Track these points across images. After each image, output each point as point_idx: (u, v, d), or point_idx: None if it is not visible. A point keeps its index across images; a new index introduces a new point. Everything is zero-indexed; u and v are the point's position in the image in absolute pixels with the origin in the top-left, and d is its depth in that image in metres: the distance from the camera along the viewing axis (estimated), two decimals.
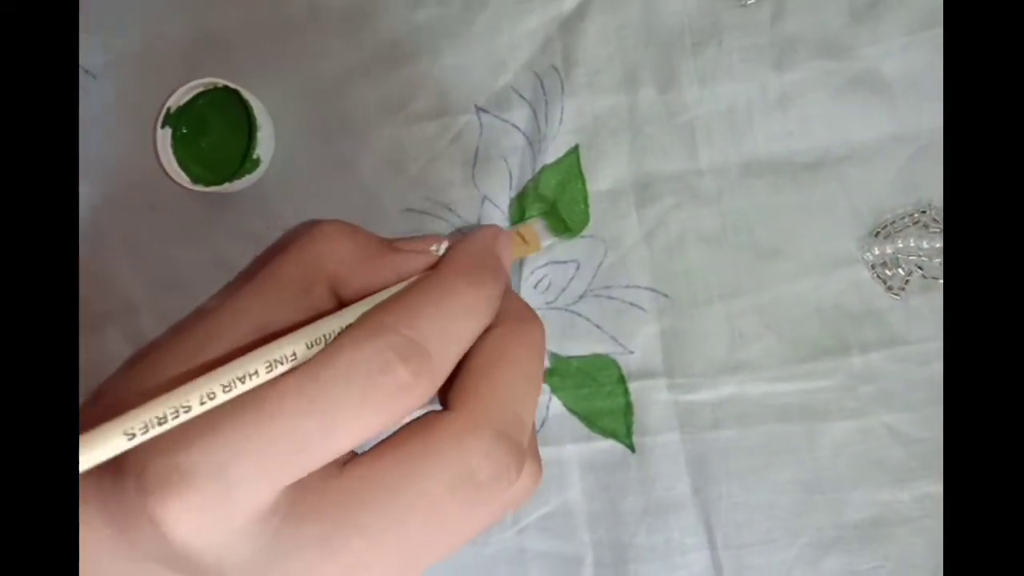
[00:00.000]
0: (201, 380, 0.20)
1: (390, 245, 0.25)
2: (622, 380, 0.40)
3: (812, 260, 0.39)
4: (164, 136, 0.43)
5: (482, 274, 0.24)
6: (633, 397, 0.40)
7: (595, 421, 0.40)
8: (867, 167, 0.38)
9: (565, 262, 0.41)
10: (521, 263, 0.41)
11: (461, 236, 0.26)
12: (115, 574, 0.20)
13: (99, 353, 0.44)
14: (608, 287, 0.40)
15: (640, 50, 0.40)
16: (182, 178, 0.42)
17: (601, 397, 0.40)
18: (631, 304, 0.40)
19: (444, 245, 0.25)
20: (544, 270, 0.41)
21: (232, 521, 0.19)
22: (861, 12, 0.38)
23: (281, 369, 0.21)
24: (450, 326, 0.22)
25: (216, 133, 0.43)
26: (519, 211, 0.41)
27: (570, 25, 0.41)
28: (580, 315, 0.41)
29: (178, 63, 0.44)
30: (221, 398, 0.20)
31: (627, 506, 0.40)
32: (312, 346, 0.21)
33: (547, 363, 0.41)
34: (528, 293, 0.41)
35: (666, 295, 0.40)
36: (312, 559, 0.20)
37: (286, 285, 0.23)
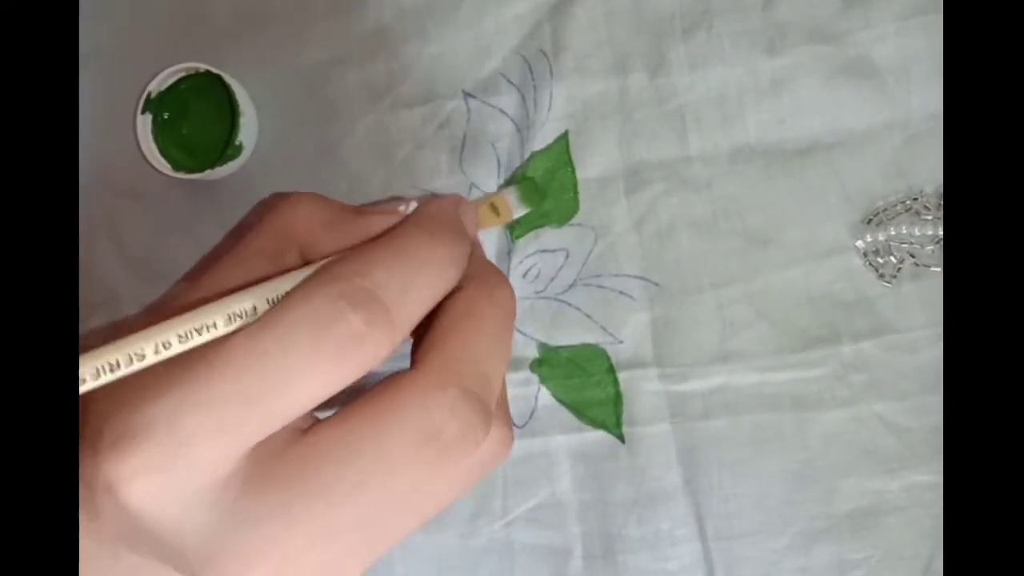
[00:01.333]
0: (156, 328, 0.19)
1: (358, 209, 0.24)
2: (611, 370, 0.40)
3: (803, 248, 0.38)
4: (144, 122, 0.42)
5: (443, 229, 0.23)
6: (623, 387, 0.40)
7: (584, 411, 0.40)
8: (859, 154, 0.38)
9: (554, 251, 0.40)
10: (510, 252, 0.41)
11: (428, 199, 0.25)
12: (89, 562, 0.20)
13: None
14: (598, 276, 0.40)
15: (630, 35, 0.40)
16: (163, 165, 0.42)
17: (590, 387, 0.40)
18: (621, 293, 0.40)
19: (412, 205, 0.24)
20: (533, 259, 0.40)
21: (189, 484, 0.19)
22: None
23: (240, 323, 0.20)
24: (408, 277, 0.21)
25: (198, 119, 0.42)
26: None
27: (559, 9, 0.40)
28: (569, 304, 0.40)
29: (159, 47, 0.43)
30: (176, 348, 0.19)
31: (617, 497, 0.39)
32: (272, 303, 0.21)
33: (537, 348, 0.40)
34: (517, 282, 0.40)
35: (656, 283, 0.39)
36: (274, 527, 0.19)
37: (258, 256, 0.23)
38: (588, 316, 0.40)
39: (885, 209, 0.38)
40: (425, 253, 0.22)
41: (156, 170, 0.42)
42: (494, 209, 0.33)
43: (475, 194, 0.41)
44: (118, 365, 0.18)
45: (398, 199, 0.25)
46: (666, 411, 0.39)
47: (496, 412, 0.23)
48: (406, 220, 0.24)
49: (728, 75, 0.39)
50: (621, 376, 0.40)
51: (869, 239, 0.38)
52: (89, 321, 0.44)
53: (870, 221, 0.38)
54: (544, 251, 0.40)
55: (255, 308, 0.20)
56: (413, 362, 0.22)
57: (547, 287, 0.40)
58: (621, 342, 0.40)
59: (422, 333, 0.23)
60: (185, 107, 0.42)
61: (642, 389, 0.39)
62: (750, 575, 0.38)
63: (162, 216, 0.44)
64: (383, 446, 0.20)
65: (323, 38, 0.42)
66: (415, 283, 0.22)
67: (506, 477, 0.40)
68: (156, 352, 0.19)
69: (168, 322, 0.19)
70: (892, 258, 0.37)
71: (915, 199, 0.37)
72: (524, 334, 0.40)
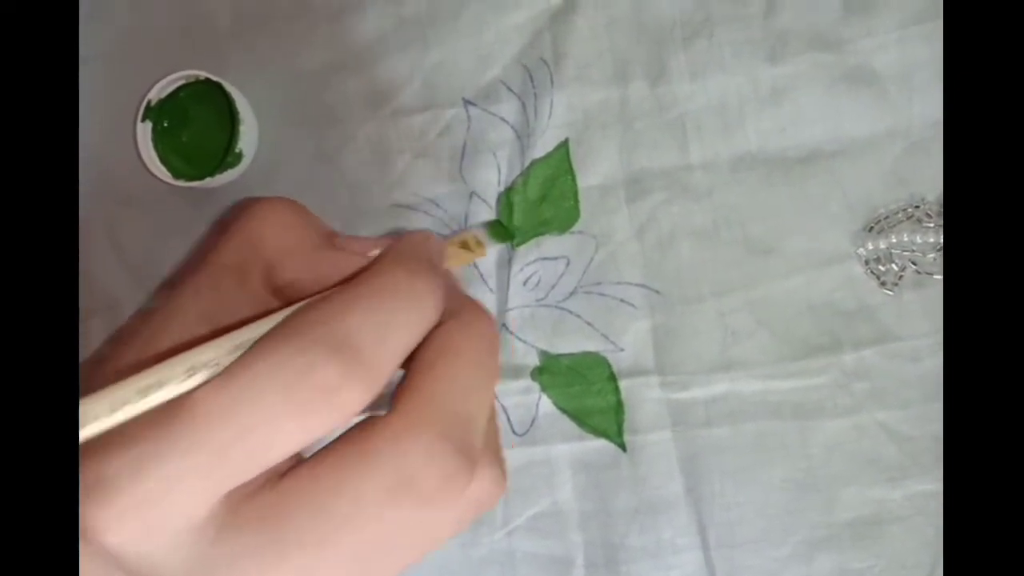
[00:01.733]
0: (113, 388, 0.19)
1: (331, 240, 0.23)
2: (613, 378, 0.40)
3: (804, 256, 0.38)
4: (144, 130, 0.42)
5: (420, 266, 0.22)
6: (624, 395, 0.39)
7: (586, 420, 0.40)
8: (860, 162, 0.38)
9: (555, 258, 0.40)
10: (510, 260, 0.40)
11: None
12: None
13: (82, 348, 0.43)
14: (599, 283, 0.40)
15: (631, 43, 0.40)
16: (163, 173, 0.42)
17: (591, 395, 0.40)
18: (622, 301, 0.40)
19: (382, 249, 0.24)
20: (534, 267, 0.40)
21: (160, 531, 0.19)
22: (854, 6, 0.38)
23: (201, 375, 0.19)
24: (385, 321, 0.20)
25: (198, 126, 0.42)
26: (507, 206, 0.40)
27: (560, 18, 0.40)
28: (570, 312, 0.40)
29: (159, 54, 0.43)
30: (139, 404, 0.19)
31: (619, 506, 0.39)
32: (235, 352, 0.20)
33: (538, 356, 0.40)
34: (518, 290, 0.40)
35: (657, 291, 0.39)
36: (248, 572, 0.19)
37: (223, 272, 0.22)
38: (589, 324, 0.40)
39: (887, 217, 0.38)
40: (403, 292, 0.21)
41: (156, 178, 0.42)
42: (465, 245, 0.32)
43: (475, 202, 0.41)
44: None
45: (371, 239, 0.24)
46: (667, 419, 0.39)
47: (484, 452, 0.21)
48: (382, 257, 0.22)
49: (729, 83, 0.39)
50: (622, 384, 0.39)
51: (871, 247, 0.38)
52: (89, 324, 0.44)
53: (871, 229, 0.38)
54: (545, 259, 0.40)
55: (217, 361, 0.20)
56: (393, 403, 0.21)
57: (548, 295, 0.40)
58: (622, 350, 0.40)
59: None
60: (185, 115, 0.42)
61: (643, 397, 0.39)
62: None
63: (162, 223, 0.43)
64: (356, 496, 0.19)
65: (323, 46, 0.42)
66: (393, 325, 0.20)
67: (507, 486, 0.40)
68: (112, 410, 0.19)
69: (124, 382, 0.19)
70: (894, 266, 0.37)
71: (916, 207, 0.37)
72: (525, 342, 0.40)
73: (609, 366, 0.40)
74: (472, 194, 0.41)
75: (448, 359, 0.21)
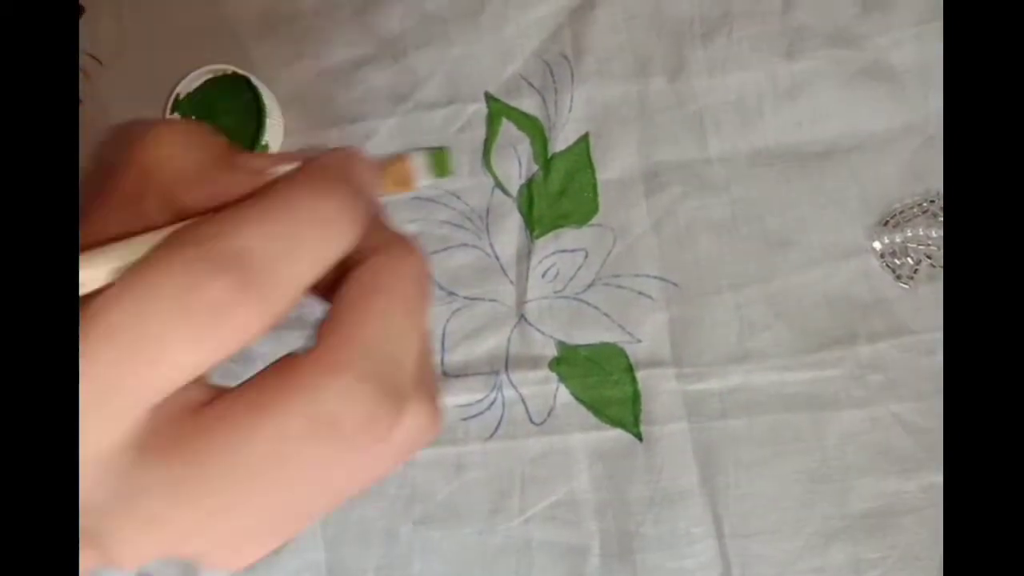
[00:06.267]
0: None
1: (228, 159, 0.21)
2: (630, 369, 0.40)
3: (821, 249, 0.39)
4: None
5: (332, 183, 0.20)
6: (641, 386, 0.40)
7: (603, 410, 0.40)
8: (876, 156, 0.38)
9: (574, 251, 0.41)
10: (530, 252, 0.41)
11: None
12: None
13: None
14: (617, 276, 0.40)
15: (650, 39, 0.40)
16: None
17: (609, 386, 0.40)
18: (640, 293, 0.40)
19: (294, 167, 0.21)
20: (552, 259, 0.41)
21: (82, 451, 0.18)
22: (871, 2, 0.38)
23: (85, 291, 0.19)
24: (283, 242, 0.19)
25: (225, 120, 0.43)
26: (528, 199, 0.41)
27: (580, 13, 0.41)
28: (588, 304, 0.41)
29: (187, 50, 0.44)
30: None
31: (634, 495, 0.40)
32: (118, 273, 0.19)
33: (556, 347, 0.41)
34: (536, 282, 0.41)
35: (675, 284, 0.40)
36: (161, 504, 0.18)
37: (119, 199, 0.21)
38: (607, 315, 0.40)
39: (902, 211, 0.38)
40: (307, 210, 0.19)
41: None
42: (394, 174, 0.30)
43: (496, 195, 0.41)
44: None
45: (283, 155, 0.22)
46: (683, 410, 0.40)
47: (417, 388, 0.21)
48: (288, 176, 0.20)
49: (747, 79, 0.39)
50: (639, 375, 0.40)
51: (886, 241, 0.38)
52: None
53: (887, 223, 0.38)
54: (563, 251, 0.41)
55: (102, 278, 0.19)
56: (316, 339, 0.20)
57: (566, 287, 0.41)
58: (639, 341, 0.40)
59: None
60: (212, 108, 0.43)
61: (660, 388, 0.40)
62: (766, 574, 0.38)
63: None
64: (275, 432, 0.18)
65: (348, 41, 0.43)
66: (295, 245, 0.19)
67: (524, 474, 0.41)
68: None
69: None
70: (909, 260, 0.38)
71: (932, 201, 0.38)
72: (543, 333, 0.41)
73: (626, 357, 0.40)
74: (494, 187, 0.41)
75: (374, 297, 0.20)
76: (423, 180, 0.33)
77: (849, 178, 0.38)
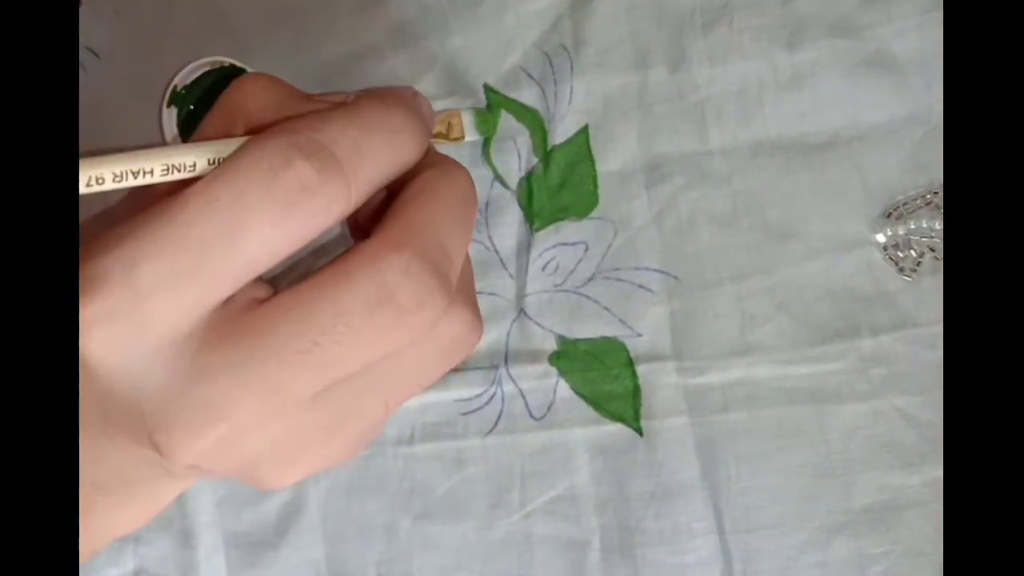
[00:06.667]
0: (91, 160, 0.19)
1: (306, 96, 0.24)
2: (630, 363, 0.40)
3: (823, 241, 0.38)
4: (170, 115, 0.43)
5: (400, 103, 0.23)
6: (641, 380, 0.40)
7: (603, 404, 0.40)
8: (879, 148, 0.38)
9: (574, 244, 0.41)
10: (529, 245, 0.41)
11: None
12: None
13: None
14: (617, 269, 0.40)
15: (650, 30, 0.40)
16: None
17: (609, 380, 0.40)
18: (640, 286, 0.40)
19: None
20: (552, 252, 0.41)
21: (147, 336, 0.19)
22: None
23: (178, 175, 0.20)
24: (362, 137, 0.21)
25: None
26: (528, 192, 0.41)
27: (580, 4, 0.41)
28: (588, 297, 0.40)
29: (185, 42, 0.44)
30: (109, 185, 0.19)
31: (635, 490, 0.40)
32: (214, 163, 0.21)
33: (556, 341, 0.41)
34: (536, 275, 0.41)
35: (676, 277, 0.40)
36: (227, 385, 0.19)
37: (210, 136, 0.23)
38: (607, 309, 0.40)
39: (905, 203, 0.38)
40: (380, 119, 0.22)
41: None
42: (445, 124, 0.33)
43: (496, 187, 0.41)
44: None
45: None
46: (684, 404, 0.39)
47: (459, 293, 0.22)
48: (362, 94, 0.24)
49: (748, 69, 0.39)
50: (640, 369, 0.40)
51: (889, 233, 0.38)
52: None
53: (890, 215, 0.38)
54: (563, 244, 0.41)
55: (195, 165, 0.20)
56: (372, 232, 0.22)
57: (566, 280, 0.41)
58: (640, 335, 0.40)
59: (380, 215, 0.22)
60: (210, 101, 0.43)
61: (660, 382, 0.40)
62: (768, 569, 0.38)
63: None
64: (336, 307, 0.20)
65: (346, 33, 0.43)
66: (370, 145, 0.21)
67: (524, 469, 0.41)
68: (87, 184, 0.19)
69: (103, 158, 0.19)
70: (912, 252, 0.38)
71: (935, 193, 0.37)
72: (542, 327, 0.41)
73: (627, 351, 0.40)
74: (493, 180, 0.41)
75: (427, 198, 0.22)
76: (471, 136, 0.36)
77: (851, 169, 0.38)
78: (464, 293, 0.23)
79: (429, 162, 0.24)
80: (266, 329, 0.20)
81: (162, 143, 0.43)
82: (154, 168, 0.20)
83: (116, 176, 0.19)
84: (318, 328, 0.20)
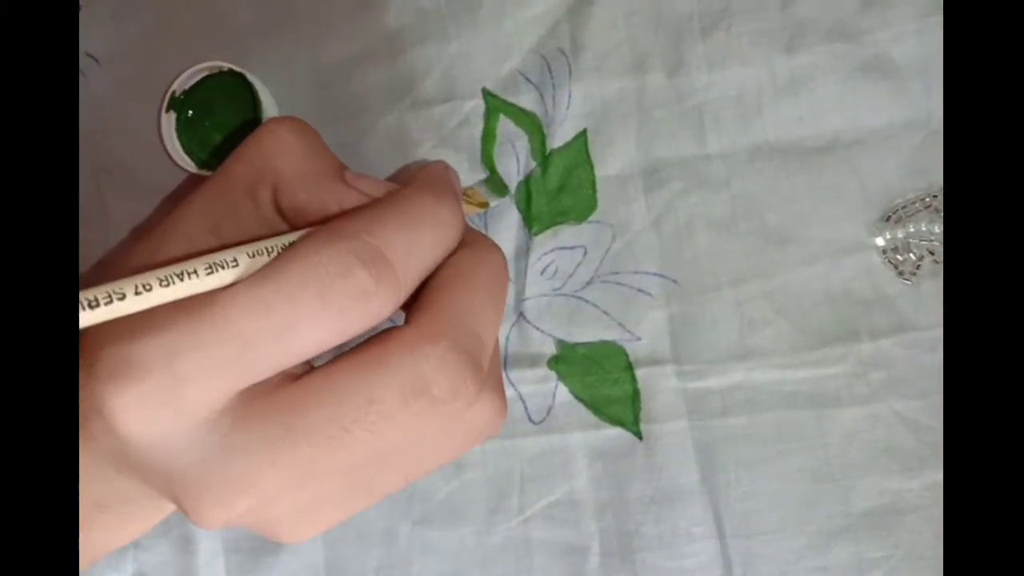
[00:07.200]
0: (136, 276, 0.19)
1: (341, 173, 0.24)
2: (629, 367, 0.40)
3: (822, 245, 0.38)
4: (169, 120, 0.43)
5: (445, 192, 0.23)
6: (640, 384, 0.40)
7: (602, 408, 0.40)
8: (878, 152, 0.38)
9: (572, 248, 0.40)
10: (528, 249, 0.41)
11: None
12: (85, 479, 0.20)
13: None
14: (616, 273, 0.40)
15: (649, 34, 0.40)
16: (187, 163, 0.42)
17: (608, 384, 0.40)
18: (639, 290, 0.40)
19: (395, 187, 0.24)
20: (551, 256, 0.41)
21: (181, 418, 0.19)
22: None
23: (222, 273, 0.20)
24: (414, 237, 0.21)
25: (221, 117, 0.43)
26: (526, 196, 0.41)
27: (578, 9, 0.41)
28: (587, 301, 0.40)
29: (183, 47, 0.44)
30: (158, 292, 0.19)
31: (634, 494, 0.39)
32: (254, 255, 0.21)
33: (555, 345, 0.41)
34: (535, 279, 0.41)
35: (674, 281, 0.39)
36: (258, 462, 0.20)
37: (233, 185, 0.23)
38: (606, 313, 0.40)
39: (904, 207, 0.38)
40: (429, 215, 0.22)
41: (180, 167, 0.42)
42: (469, 197, 0.34)
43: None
44: (96, 302, 0.18)
45: (381, 182, 0.25)
46: (683, 408, 0.39)
47: (489, 378, 0.22)
48: (409, 183, 0.23)
49: (746, 74, 0.39)
50: (639, 373, 0.40)
51: (888, 237, 0.38)
52: None
53: (889, 219, 0.38)
54: (562, 248, 0.41)
55: (236, 261, 0.20)
56: (406, 320, 0.22)
57: (565, 284, 0.41)
58: (639, 339, 0.40)
59: (416, 294, 0.23)
60: (209, 105, 0.43)
61: (660, 386, 0.39)
62: (768, 574, 0.38)
63: None
64: (371, 395, 0.20)
65: (345, 37, 0.43)
66: (419, 244, 0.22)
67: (523, 474, 0.40)
68: (136, 292, 0.19)
69: (149, 273, 0.20)
70: (911, 255, 0.37)
71: (934, 197, 0.37)
72: (541, 331, 0.41)
73: (626, 355, 0.40)
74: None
75: (462, 281, 0.23)
76: (494, 201, 0.37)
77: (850, 173, 0.38)
78: (493, 376, 0.23)
79: (463, 241, 0.24)
80: (298, 410, 0.20)
81: (163, 150, 0.43)
82: (197, 269, 0.20)
83: (162, 281, 0.20)
84: (351, 415, 0.20)
